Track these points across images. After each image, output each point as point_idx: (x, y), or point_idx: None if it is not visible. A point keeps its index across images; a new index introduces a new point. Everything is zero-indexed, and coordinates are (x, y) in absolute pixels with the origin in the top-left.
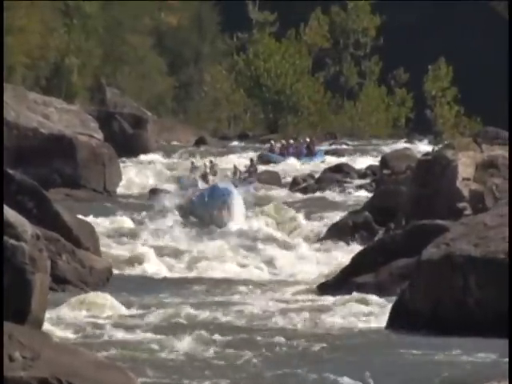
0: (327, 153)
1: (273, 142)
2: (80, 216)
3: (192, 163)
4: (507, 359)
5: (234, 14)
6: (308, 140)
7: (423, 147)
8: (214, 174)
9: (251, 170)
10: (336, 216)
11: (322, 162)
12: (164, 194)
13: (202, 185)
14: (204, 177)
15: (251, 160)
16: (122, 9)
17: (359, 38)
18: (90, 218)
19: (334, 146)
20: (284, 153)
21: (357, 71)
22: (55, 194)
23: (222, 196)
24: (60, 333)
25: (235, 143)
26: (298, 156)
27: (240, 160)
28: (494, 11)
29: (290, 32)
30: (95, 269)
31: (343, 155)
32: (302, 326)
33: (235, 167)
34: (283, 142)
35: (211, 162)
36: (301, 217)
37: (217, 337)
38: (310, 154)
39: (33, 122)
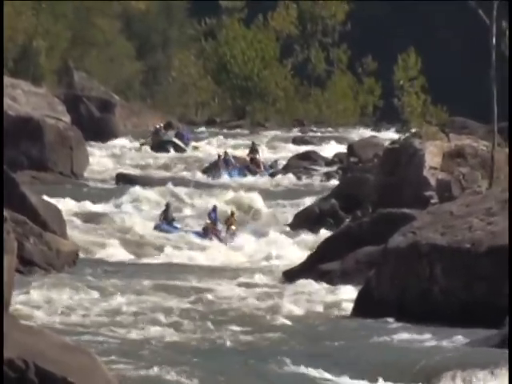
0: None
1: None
2: (47, 199)
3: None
4: (470, 347)
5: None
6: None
7: (390, 135)
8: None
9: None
10: (303, 203)
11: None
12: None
13: None
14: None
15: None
16: None
17: (327, 24)
18: (57, 201)
19: (301, 134)
20: None
21: (325, 58)
22: (22, 176)
23: None
24: (26, 314)
25: (202, 129)
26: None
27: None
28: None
29: (258, 18)
30: (62, 252)
31: (311, 143)
32: (266, 312)
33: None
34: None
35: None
36: (267, 203)
37: (177, 322)
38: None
39: None
